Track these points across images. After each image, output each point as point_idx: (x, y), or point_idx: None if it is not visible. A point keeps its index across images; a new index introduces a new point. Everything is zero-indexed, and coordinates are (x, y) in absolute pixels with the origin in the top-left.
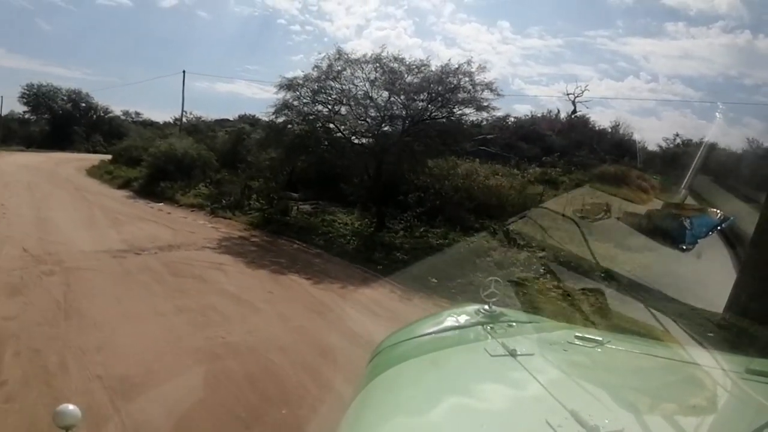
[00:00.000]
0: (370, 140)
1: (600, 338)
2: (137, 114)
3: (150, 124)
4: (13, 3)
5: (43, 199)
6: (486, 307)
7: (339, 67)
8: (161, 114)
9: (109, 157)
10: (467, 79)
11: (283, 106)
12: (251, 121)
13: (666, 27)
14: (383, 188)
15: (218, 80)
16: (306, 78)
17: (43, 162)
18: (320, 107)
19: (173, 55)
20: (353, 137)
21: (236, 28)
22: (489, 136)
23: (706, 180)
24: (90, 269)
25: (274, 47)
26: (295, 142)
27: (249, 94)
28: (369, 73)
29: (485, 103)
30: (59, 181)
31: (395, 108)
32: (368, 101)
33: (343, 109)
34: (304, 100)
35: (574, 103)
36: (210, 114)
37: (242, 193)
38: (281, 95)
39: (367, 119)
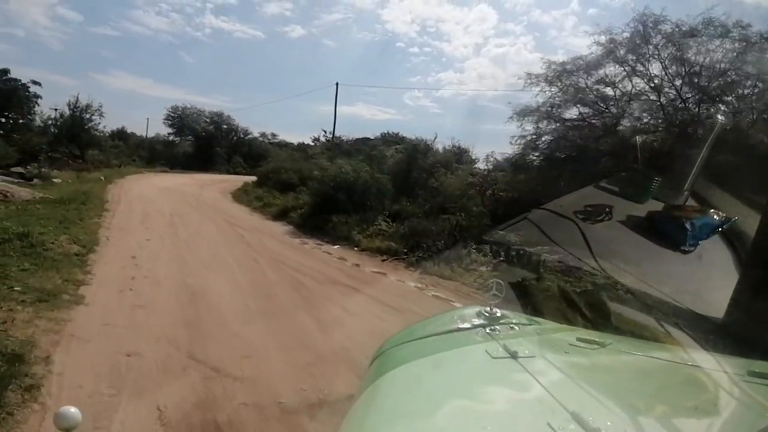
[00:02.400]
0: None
1: (601, 340)
2: (273, 135)
3: (285, 145)
4: (159, 38)
5: (190, 244)
6: (488, 309)
7: (638, 40)
8: (294, 135)
9: (251, 178)
10: None
11: (548, 107)
12: (394, 139)
13: None
14: None
15: (341, 102)
16: (585, 62)
17: (186, 184)
18: (589, 109)
19: (301, 81)
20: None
21: (358, 53)
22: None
23: None
24: None
25: (393, 69)
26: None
27: (368, 115)
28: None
29: None
30: (206, 210)
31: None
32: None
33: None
34: (579, 94)
35: None
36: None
37: (452, 237)
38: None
39: (678, 118)
